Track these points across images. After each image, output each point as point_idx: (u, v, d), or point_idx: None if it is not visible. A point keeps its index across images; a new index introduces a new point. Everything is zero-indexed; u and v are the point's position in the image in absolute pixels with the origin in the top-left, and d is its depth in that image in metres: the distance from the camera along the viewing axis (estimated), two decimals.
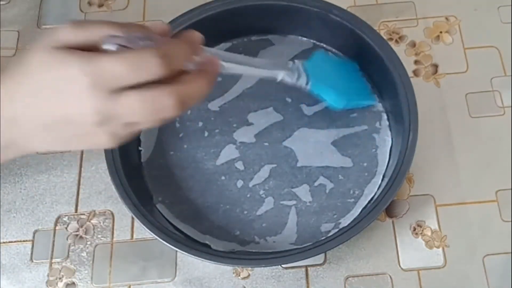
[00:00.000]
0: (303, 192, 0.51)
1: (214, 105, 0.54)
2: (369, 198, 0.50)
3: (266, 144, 0.53)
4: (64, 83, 0.33)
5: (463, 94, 0.55)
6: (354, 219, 0.48)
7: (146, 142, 0.53)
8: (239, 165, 0.52)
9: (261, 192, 0.51)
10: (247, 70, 0.43)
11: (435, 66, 0.57)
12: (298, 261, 0.46)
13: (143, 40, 0.34)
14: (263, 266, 0.49)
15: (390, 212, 0.51)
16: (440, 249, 0.49)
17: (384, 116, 0.53)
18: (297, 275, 0.49)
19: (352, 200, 0.50)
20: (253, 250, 0.49)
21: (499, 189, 0.51)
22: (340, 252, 0.50)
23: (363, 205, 0.50)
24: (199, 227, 0.50)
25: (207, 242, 0.49)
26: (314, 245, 0.45)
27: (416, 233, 0.50)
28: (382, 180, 0.50)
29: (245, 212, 0.50)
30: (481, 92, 0.55)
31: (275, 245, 0.49)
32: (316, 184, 0.51)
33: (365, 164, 0.51)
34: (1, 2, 0.63)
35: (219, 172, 0.52)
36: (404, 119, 0.47)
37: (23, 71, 0.35)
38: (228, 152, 0.52)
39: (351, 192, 0.51)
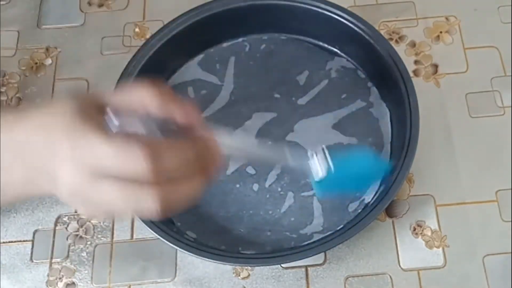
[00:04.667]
0: None
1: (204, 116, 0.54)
2: None
3: (270, 143, 0.53)
4: (48, 144, 0.32)
5: (463, 94, 0.55)
6: (376, 192, 0.49)
7: None
8: (250, 170, 0.52)
9: (279, 189, 0.51)
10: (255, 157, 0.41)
11: (435, 66, 0.57)
12: (298, 260, 0.46)
13: (149, 126, 0.33)
14: (263, 266, 0.49)
15: (390, 212, 0.51)
16: (440, 249, 0.49)
17: (374, 89, 0.54)
18: (297, 275, 0.49)
19: None
20: (292, 245, 0.48)
21: (499, 189, 0.51)
22: (340, 252, 0.50)
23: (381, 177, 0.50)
24: (228, 239, 0.49)
25: (241, 251, 0.48)
26: (314, 245, 0.45)
27: (416, 233, 0.50)
28: (391, 149, 0.51)
29: (270, 212, 0.50)
30: (481, 92, 0.55)
31: (310, 236, 0.49)
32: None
33: (370, 139, 0.52)
34: (1, 2, 0.63)
35: (232, 181, 0.51)
36: (405, 119, 0.48)
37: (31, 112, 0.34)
38: (235, 160, 0.52)
39: None
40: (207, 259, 0.44)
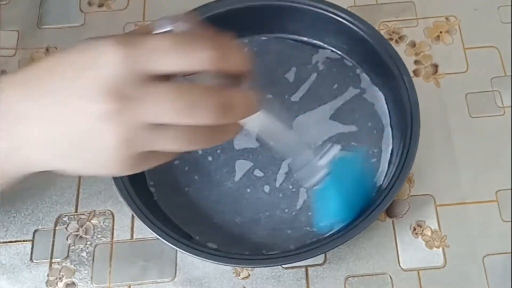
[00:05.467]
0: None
1: None
2: (389, 151, 0.51)
3: (271, 143, 0.53)
4: (90, 58, 0.27)
5: (463, 94, 0.55)
6: (386, 174, 0.50)
7: (156, 185, 0.52)
8: (258, 173, 0.52)
9: (291, 187, 0.51)
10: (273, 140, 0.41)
11: (435, 66, 0.57)
12: (298, 261, 0.46)
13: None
14: (263, 267, 0.49)
15: (390, 212, 0.51)
16: (440, 249, 0.49)
17: (364, 75, 0.54)
18: (297, 275, 0.49)
19: (375, 159, 0.51)
20: (314, 239, 0.48)
21: (499, 189, 0.51)
22: (340, 252, 0.50)
23: (388, 159, 0.51)
24: (250, 243, 0.49)
25: (265, 253, 0.48)
26: (314, 246, 0.45)
27: (416, 233, 0.50)
28: (392, 130, 0.52)
29: (286, 210, 0.50)
30: (481, 92, 0.55)
31: (330, 226, 0.48)
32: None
33: (369, 124, 0.53)
34: (1, 2, 0.63)
35: (242, 186, 0.51)
36: (406, 120, 0.48)
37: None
38: (241, 166, 0.52)
39: (370, 152, 0.51)
40: (207, 260, 0.44)
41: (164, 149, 0.29)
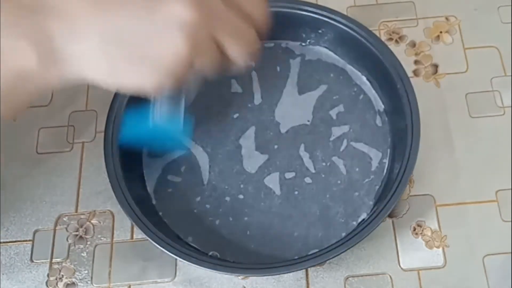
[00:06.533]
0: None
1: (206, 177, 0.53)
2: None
3: (276, 146, 0.53)
4: None
5: (463, 94, 0.55)
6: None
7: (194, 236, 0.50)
8: (288, 175, 0.51)
9: (324, 164, 0.52)
10: None
11: (435, 66, 0.57)
12: (299, 270, 0.45)
13: None
14: (262, 276, 0.48)
15: (390, 212, 0.51)
16: (440, 249, 0.50)
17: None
18: (297, 275, 0.49)
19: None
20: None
21: (499, 189, 0.51)
22: None
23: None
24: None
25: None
26: (316, 254, 0.44)
27: (416, 233, 0.50)
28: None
29: (339, 182, 0.51)
30: (481, 92, 0.55)
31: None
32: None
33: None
34: None
35: (289, 193, 0.51)
36: (406, 123, 0.48)
37: None
38: (272, 180, 0.51)
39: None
40: (207, 269, 0.44)
41: (200, 67, 0.33)
